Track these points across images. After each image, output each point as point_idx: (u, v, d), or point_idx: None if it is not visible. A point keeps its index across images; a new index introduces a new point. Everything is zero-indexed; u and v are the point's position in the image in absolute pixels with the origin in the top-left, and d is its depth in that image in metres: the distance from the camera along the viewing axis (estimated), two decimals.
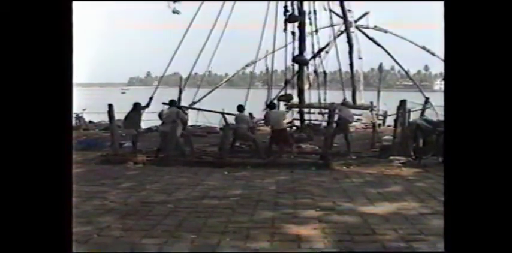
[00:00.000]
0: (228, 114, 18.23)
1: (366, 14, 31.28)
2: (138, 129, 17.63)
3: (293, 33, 21.88)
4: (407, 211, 8.21)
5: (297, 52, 22.58)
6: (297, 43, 22.52)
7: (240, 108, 17.54)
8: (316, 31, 24.35)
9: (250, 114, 21.84)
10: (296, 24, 22.27)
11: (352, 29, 28.87)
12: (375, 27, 31.29)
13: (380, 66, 37.88)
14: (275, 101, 22.02)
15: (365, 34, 30.65)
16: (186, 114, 18.31)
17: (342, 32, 27.64)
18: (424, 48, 31.35)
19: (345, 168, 13.90)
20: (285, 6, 21.42)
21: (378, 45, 30.54)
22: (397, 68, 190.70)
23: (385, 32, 31.35)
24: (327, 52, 29.79)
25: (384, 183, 11.15)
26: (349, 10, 28.68)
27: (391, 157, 15.10)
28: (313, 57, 26.08)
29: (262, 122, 22.33)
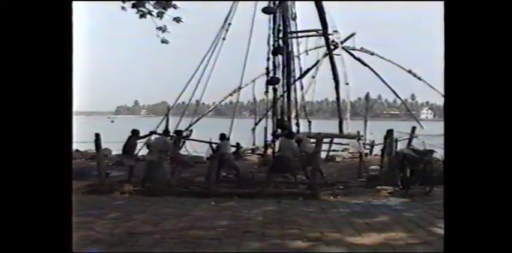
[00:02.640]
0: (215, 143, 18.28)
1: (352, 35, 31.17)
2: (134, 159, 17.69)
3: (275, 89, 21.68)
4: (395, 242, 8.17)
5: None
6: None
7: (222, 136, 17.74)
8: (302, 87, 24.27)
9: (238, 144, 21.88)
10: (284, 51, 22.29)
11: (338, 50, 29.00)
12: (361, 49, 31.17)
13: (367, 95, 37.92)
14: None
15: (352, 54, 30.64)
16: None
17: (326, 54, 27.66)
18: (410, 72, 31.28)
19: (332, 198, 13.89)
20: (267, 68, 21.27)
21: (365, 65, 30.56)
22: (384, 97, 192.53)
23: (372, 54, 31.14)
24: (313, 77, 29.88)
25: (371, 213, 11.13)
26: (336, 31, 28.81)
27: (379, 187, 15.11)
28: (300, 77, 26.20)
29: (250, 151, 22.38)
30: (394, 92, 32.75)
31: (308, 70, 29.03)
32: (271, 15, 21.47)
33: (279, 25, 21.47)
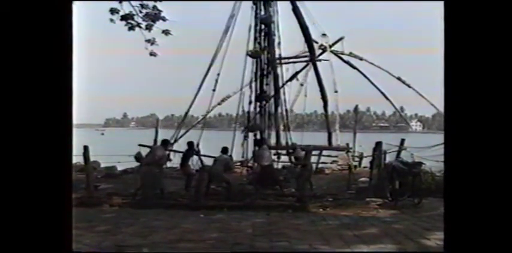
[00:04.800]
0: (204, 156, 18.25)
1: (341, 39, 30.96)
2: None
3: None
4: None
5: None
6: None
7: (224, 150, 17.71)
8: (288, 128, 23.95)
9: (230, 156, 21.85)
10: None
11: (326, 54, 28.92)
12: (350, 54, 30.89)
13: (356, 107, 37.91)
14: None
15: (340, 58, 30.48)
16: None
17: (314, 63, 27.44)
18: (399, 79, 31.00)
19: (321, 210, 13.89)
20: (248, 112, 20.93)
21: (354, 68, 30.37)
22: (372, 109, 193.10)
23: (361, 59, 30.73)
24: (301, 84, 29.77)
25: (360, 225, 11.14)
26: (324, 34, 28.75)
27: (368, 199, 15.14)
28: (288, 81, 26.16)
29: (239, 164, 22.32)
30: (383, 94, 32.23)
31: (296, 73, 28.95)
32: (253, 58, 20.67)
33: (263, 69, 20.89)
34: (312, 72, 27.79)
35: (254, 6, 20.76)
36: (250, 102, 20.69)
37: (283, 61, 24.43)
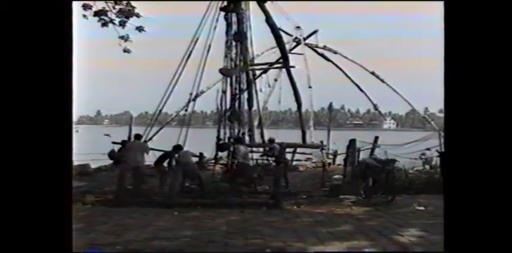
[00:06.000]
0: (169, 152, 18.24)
1: (315, 32, 30.93)
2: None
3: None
4: (357, 250, 8.23)
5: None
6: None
7: (177, 147, 17.61)
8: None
9: (201, 154, 21.78)
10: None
11: (300, 47, 28.90)
12: (324, 47, 30.88)
13: (330, 105, 37.97)
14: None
15: (315, 51, 30.45)
16: None
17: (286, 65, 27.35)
18: (373, 73, 31.09)
19: (295, 207, 13.91)
20: (218, 132, 20.58)
21: (328, 60, 30.41)
22: (347, 107, 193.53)
23: (335, 52, 30.75)
24: (275, 79, 29.73)
25: (334, 222, 11.18)
26: (298, 27, 28.77)
27: (341, 196, 15.20)
28: (263, 73, 26.08)
29: (213, 161, 22.27)
30: (358, 86, 32.18)
31: (270, 65, 28.94)
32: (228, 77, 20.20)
33: (235, 88, 20.37)
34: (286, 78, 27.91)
35: (226, 22, 20.35)
36: (219, 130, 20.15)
37: (256, 67, 24.38)
